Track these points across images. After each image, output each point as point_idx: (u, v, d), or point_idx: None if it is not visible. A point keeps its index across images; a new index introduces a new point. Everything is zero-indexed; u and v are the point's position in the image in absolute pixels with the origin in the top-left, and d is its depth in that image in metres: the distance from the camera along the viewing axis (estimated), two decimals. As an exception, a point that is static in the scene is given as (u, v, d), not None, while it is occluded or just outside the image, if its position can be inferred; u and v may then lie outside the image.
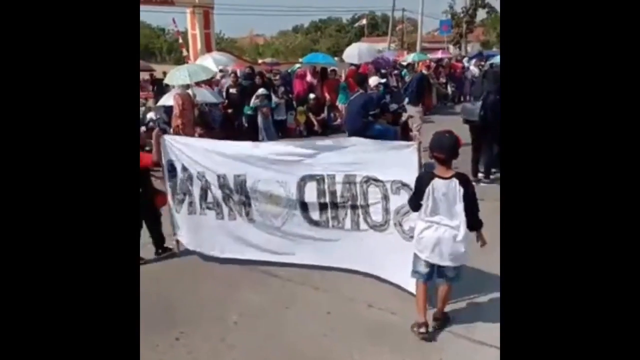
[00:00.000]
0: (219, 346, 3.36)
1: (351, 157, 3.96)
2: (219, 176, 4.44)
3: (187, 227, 4.79)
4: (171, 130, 8.13)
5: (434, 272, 3.35)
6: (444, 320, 3.45)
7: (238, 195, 4.40)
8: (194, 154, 4.56)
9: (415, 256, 3.38)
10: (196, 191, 4.59)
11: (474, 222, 3.22)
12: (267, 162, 4.26)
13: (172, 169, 4.68)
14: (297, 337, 3.43)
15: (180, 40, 13.89)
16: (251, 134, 10.05)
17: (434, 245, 3.24)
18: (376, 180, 3.82)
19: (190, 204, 4.68)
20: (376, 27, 54.78)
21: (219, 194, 4.48)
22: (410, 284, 3.61)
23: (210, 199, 4.55)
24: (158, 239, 4.85)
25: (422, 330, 3.33)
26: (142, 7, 20.42)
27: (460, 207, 3.15)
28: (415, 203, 3.36)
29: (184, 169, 4.60)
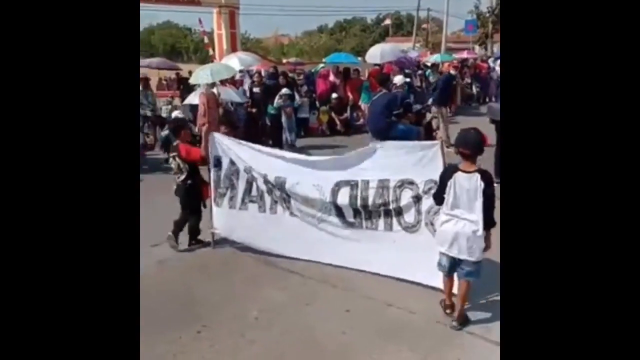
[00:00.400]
0: (239, 341, 3.42)
1: (384, 162, 4.05)
2: (261, 174, 4.65)
3: (225, 220, 4.94)
4: (196, 129, 8.27)
5: (456, 265, 3.40)
6: (462, 321, 3.46)
7: (279, 192, 4.58)
8: (240, 152, 4.78)
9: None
10: (241, 184, 4.77)
11: (487, 220, 3.24)
12: (304, 168, 4.50)
13: (217, 163, 4.87)
14: (316, 334, 3.48)
15: (206, 40, 14.05)
16: (274, 133, 10.13)
17: (452, 239, 3.30)
18: (411, 182, 3.88)
19: (231, 198, 4.84)
20: (401, 27, 54.40)
21: (264, 187, 4.67)
22: (436, 280, 3.68)
23: (254, 192, 4.73)
24: (194, 230, 5.07)
25: (448, 311, 3.53)
26: (169, 7, 20.91)
27: (480, 202, 3.19)
28: (439, 196, 3.42)
29: (232, 162, 4.80)
